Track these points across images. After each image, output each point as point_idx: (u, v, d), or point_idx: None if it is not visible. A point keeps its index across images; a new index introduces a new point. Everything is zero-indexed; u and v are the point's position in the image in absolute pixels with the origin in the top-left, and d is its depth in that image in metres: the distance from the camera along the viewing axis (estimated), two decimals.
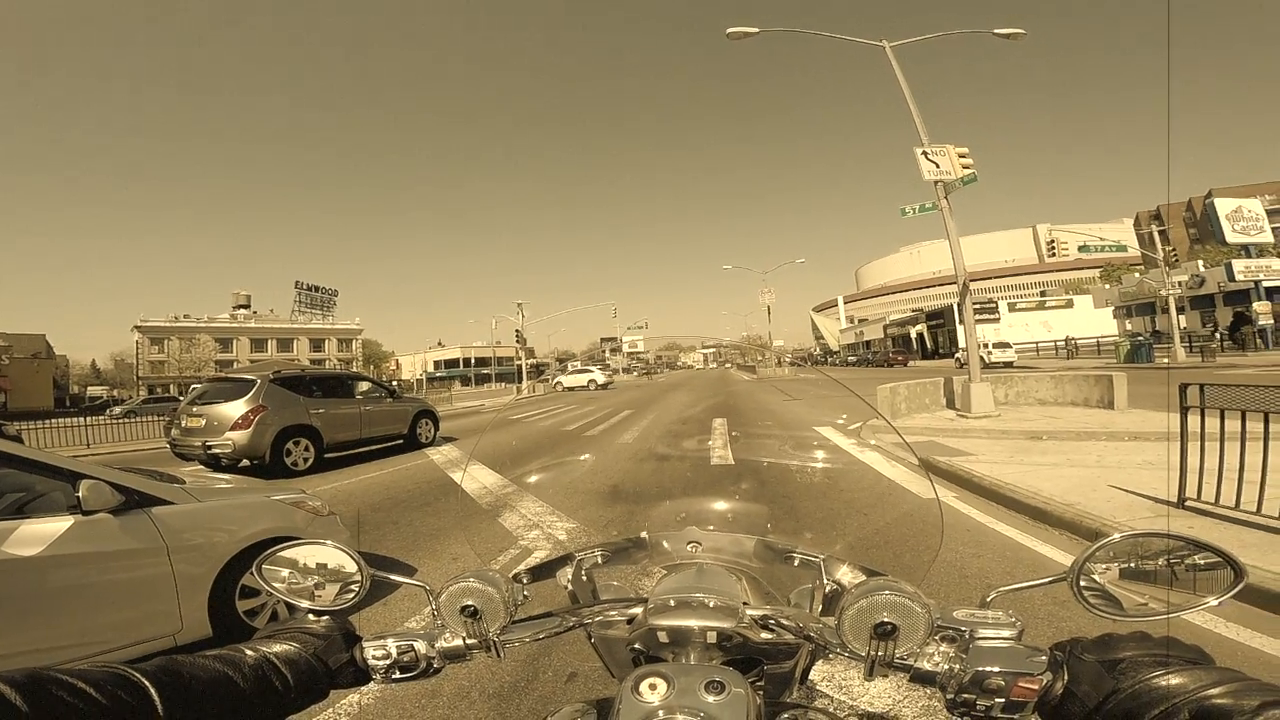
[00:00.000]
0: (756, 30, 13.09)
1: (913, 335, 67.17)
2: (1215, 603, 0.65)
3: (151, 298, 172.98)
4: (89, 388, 72.19)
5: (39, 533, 2.66)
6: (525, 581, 0.91)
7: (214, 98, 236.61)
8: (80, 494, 2.76)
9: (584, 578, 1.01)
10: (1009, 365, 32.66)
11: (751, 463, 1.36)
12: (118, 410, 33.05)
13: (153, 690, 0.53)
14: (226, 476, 5.43)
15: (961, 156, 11.44)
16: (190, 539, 3.11)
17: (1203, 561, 0.66)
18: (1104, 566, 0.68)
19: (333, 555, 0.82)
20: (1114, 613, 0.66)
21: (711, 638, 0.74)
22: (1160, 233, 31.14)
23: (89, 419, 19.58)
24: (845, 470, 1.50)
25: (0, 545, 2.54)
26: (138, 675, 0.53)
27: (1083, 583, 0.68)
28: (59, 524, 2.72)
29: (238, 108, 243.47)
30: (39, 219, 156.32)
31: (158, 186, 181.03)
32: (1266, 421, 3.92)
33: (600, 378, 39.04)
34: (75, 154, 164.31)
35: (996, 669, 0.61)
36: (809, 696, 0.91)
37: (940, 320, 60.32)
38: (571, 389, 36.74)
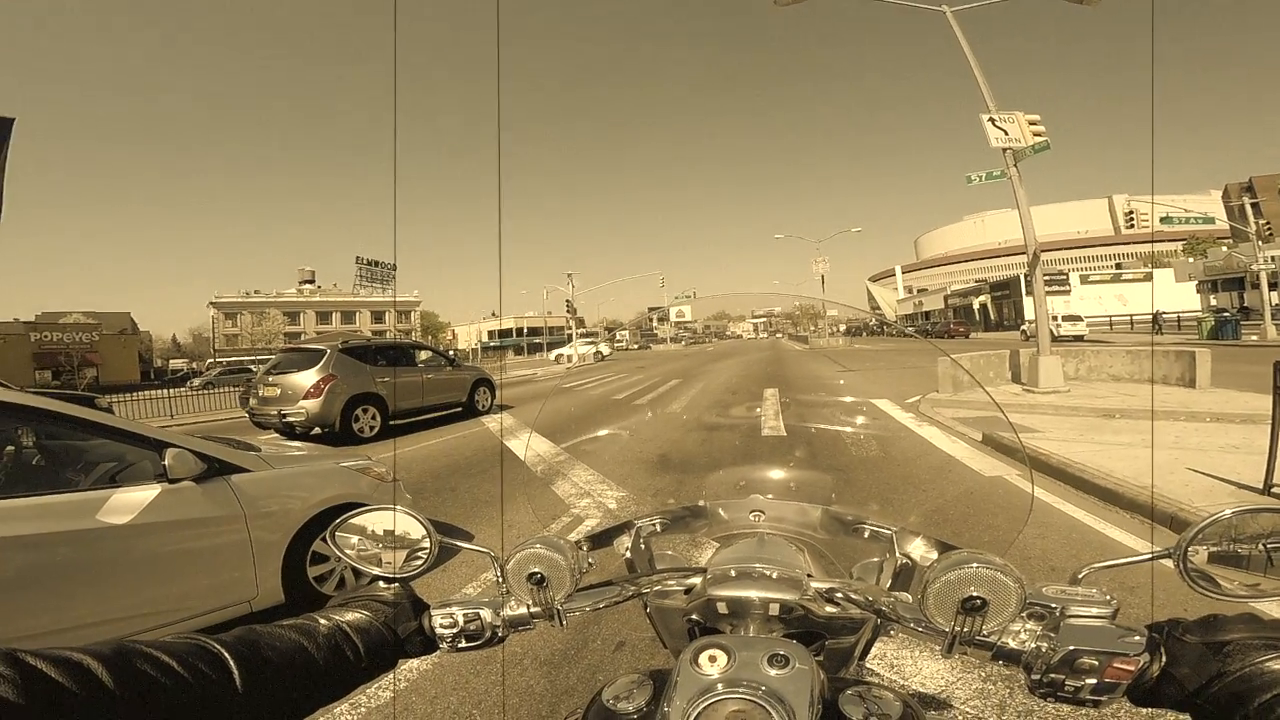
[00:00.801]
0: None
1: (975, 306, 64.59)
2: None
3: (224, 275, 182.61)
4: (170, 361, 76.62)
5: (130, 501, 2.74)
6: (586, 549, 0.90)
7: (274, 83, 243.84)
8: (166, 462, 2.83)
9: (642, 546, 1.00)
10: (1079, 339, 31.14)
11: (804, 432, 1.32)
12: (197, 382, 34.74)
13: (231, 661, 0.53)
14: (299, 444, 5.68)
15: (1032, 124, 10.80)
16: (266, 506, 3.16)
17: None
18: (1206, 546, 0.63)
19: (402, 521, 0.81)
20: (1219, 593, 0.62)
21: (773, 610, 0.72)
22: (1253, 205, 28.96)
23: (171, 391, 20.85)
24: (901, 443, 1.44)
25: (96, 515, 2.63)
26: (217, 646, 0.54)
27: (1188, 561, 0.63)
28: (147, 492, 2.79)
29: (298, 94, 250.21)
30: (122, 207, 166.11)
31: (227, 172, 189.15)
32: None
33: (605, 349, 44.48)
34: (155, 143, 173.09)
35: (1090, 648, 0.58)
36: (860, 673, 0.90)
37: (1005, 291, 57.79)
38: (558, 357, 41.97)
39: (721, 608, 0.74)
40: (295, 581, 3.28)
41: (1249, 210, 28.12)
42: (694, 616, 0.79)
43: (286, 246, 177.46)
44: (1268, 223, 29.87)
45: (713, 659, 0.61)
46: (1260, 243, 26.08)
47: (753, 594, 0.72)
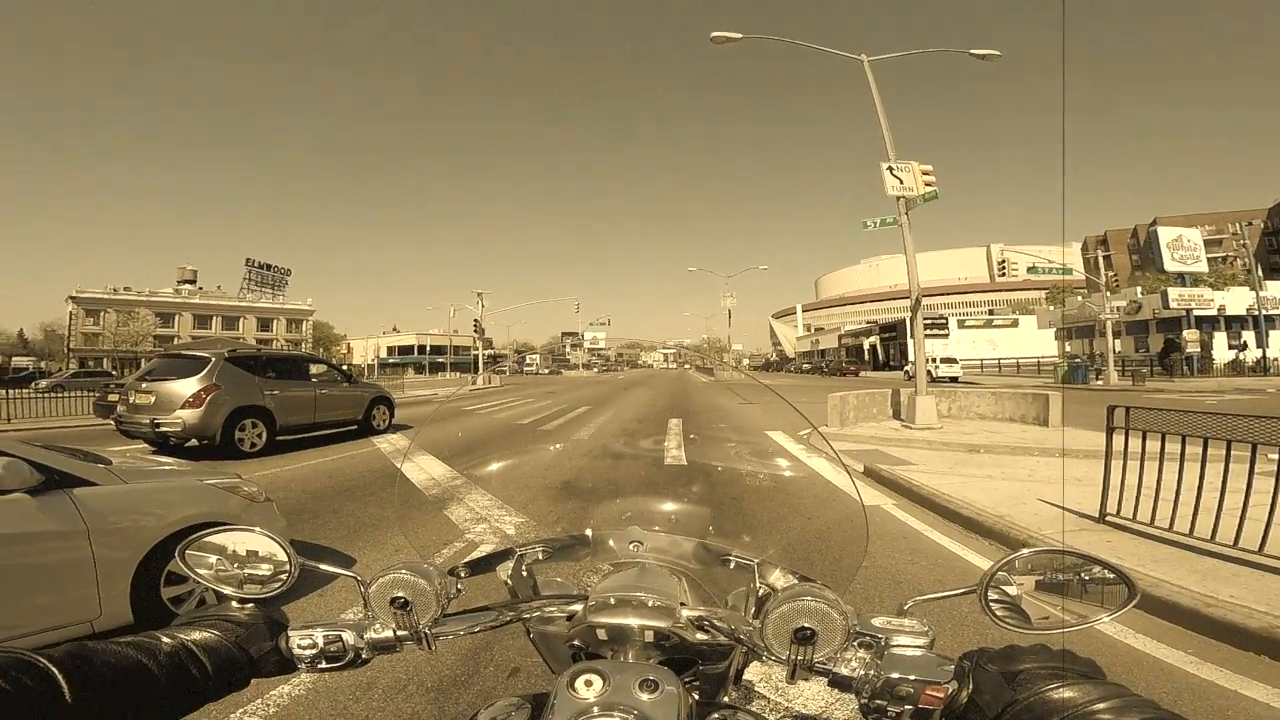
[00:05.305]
0: (740, 36, 13.00)
1: (866, 346, 68.86)
2: (1108, 619, 0.69)
3: (91, 269, 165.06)
4: (14, 358, 68.05)
5: None
6: (463, 575, 0.90)
7: (172, 60, 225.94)
8: None
9: (524, 573, 1.01)
10: (954, 380, 33.71)
11: (704, 465, 1.37)
12: (44, 384, 31.25)
13: (59, 675, 0.51)
14: (166, 459, 5.22)
15: (925, 174, 11.62)
16: (114, 522, 2.99)
17: (1102, 576, 0.70)
18: (1013, 580, 0.72)
19: (261, 542, 0.81)
20: (1018, 625, 0.70)
21: (649, 636, 0.75)
22: (1104, 258, 32.65)
23: (11, 392, 18.48)
24: (793, 475, 1.52)
25: None
26: (43, 660, 0.52)
27: (993, 595, 0.71)
28: None
29: (198, 77, 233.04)
30: None
31: (103, 152, 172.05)
32: (1184, 444, 4.14)
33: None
34: (13, 117, 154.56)
35: (906, 676, 0.63)
36: (746, 697, 0.93)
37: (893, 333, 61.97)
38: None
39: (601, 634, 0.76)
40: (147, 603, 3.09)
41: (1101, 263, 31.53)
42: (576, 642, 0.80)
43: (165, 243, 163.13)
44: (1115, 274, 33.75)
45: (588, 683, 0.63)
46: (1108, 294, 29.18)
47: (630, 621, 0.74)
